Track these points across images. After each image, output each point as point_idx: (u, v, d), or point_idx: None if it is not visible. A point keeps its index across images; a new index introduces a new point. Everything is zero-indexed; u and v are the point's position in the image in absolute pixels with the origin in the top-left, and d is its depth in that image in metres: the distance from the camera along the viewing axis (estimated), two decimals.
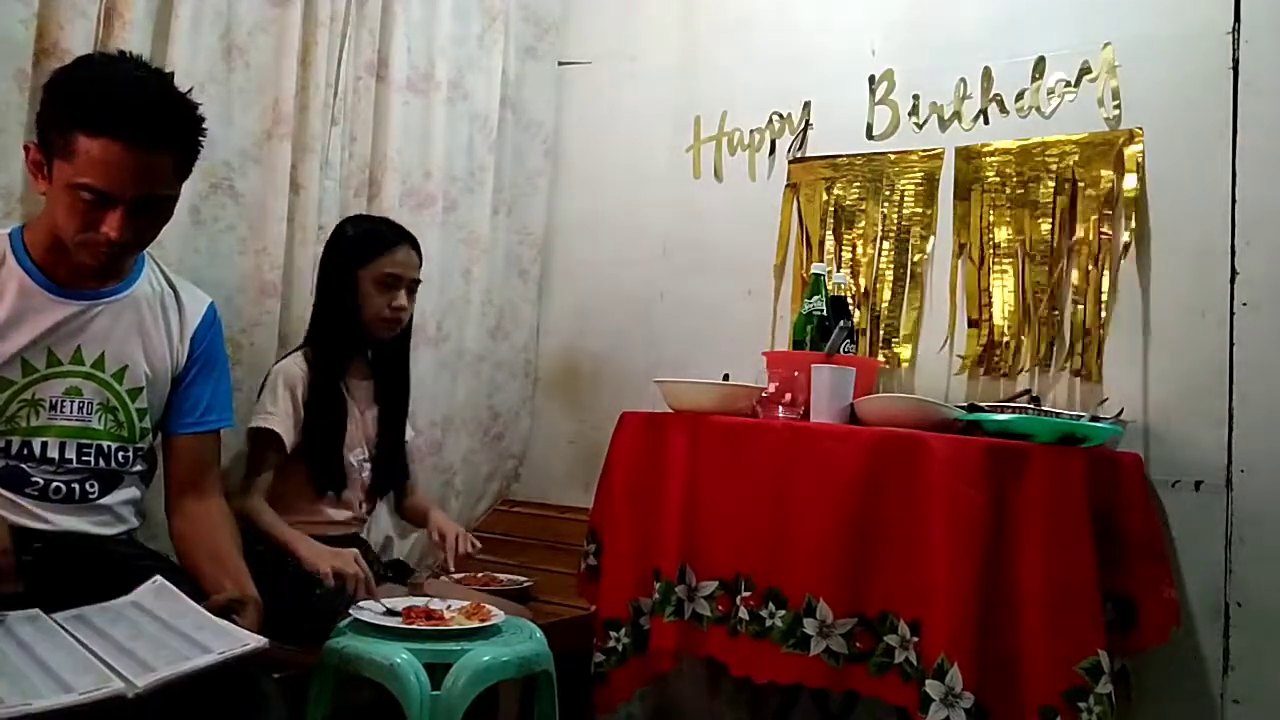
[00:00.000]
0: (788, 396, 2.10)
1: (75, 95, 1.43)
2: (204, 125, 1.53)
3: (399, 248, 2.15)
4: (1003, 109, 2.37)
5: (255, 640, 1.36)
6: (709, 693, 2.52)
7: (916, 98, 2.49)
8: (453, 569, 2.15)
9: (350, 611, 1.72)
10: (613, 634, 2.09)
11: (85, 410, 1.57)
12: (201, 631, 1.35)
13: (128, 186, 1.43)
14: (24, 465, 1.52)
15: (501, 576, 2.42)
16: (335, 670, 1.68)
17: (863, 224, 2.54)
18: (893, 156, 2.51)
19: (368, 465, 2.18)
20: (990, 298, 2.35)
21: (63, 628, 1.32)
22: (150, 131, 1.43)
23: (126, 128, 1.41)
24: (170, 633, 1.35)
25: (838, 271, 2.48)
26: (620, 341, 2.90)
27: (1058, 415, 1.98)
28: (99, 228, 1.45)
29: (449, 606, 1.81)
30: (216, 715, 1.33)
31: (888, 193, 2.51)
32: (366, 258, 2.12)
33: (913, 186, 2.48)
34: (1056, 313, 2.26)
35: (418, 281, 2.20)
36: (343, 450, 2.11)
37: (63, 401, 1.55)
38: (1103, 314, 2.21)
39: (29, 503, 1.52)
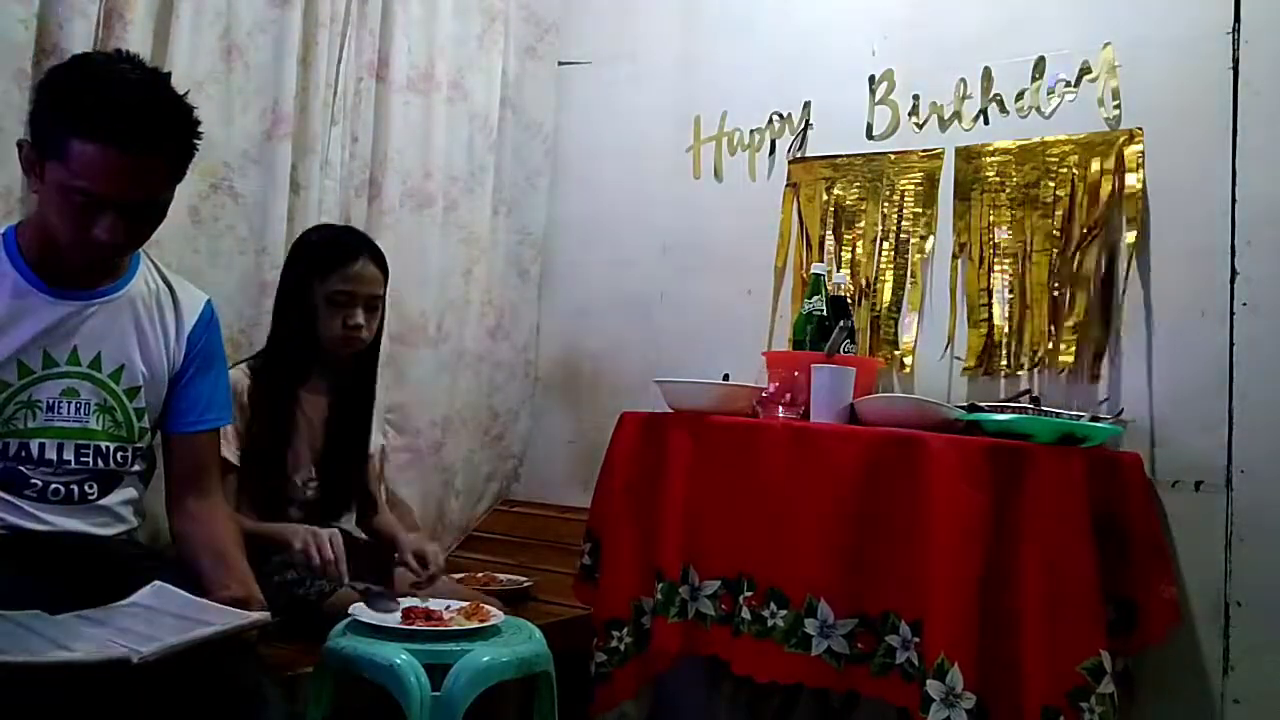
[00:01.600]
0: (788, 396, 2.10)
1: (70, 97, 1.42)
2: (200, 129, 1.52)
3: (354, 261, 2.03)
4: (1003, 109, 2.37)
5: (259, 614, 1.36)
6: (708, 692, 2.52)
7: (916, 98, 2.49)
8: (422, 588, 1.96)
9: (350, 612, 1.72)
10: (615, 633, 2.09)
11: (83, 411, 1.56)
12: (205, 614, 1.36)
13: (121, 191, 1.43)
14: (22, 467, 1.52)
15: (501, 576, 2.42)
16: (335, 671, 1.68)
17: (863, 224, 2.54)
18: (893, 156, 2.51)
19: (313, 485, 2.08)
20: (990, 298, 2.35)
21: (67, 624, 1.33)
22: (145, 138, 1.42)
23: (121, 134, 1.40)
24: (174, 618, 1.35)
25: (838, 271, 2.48)
26: (620, 341, 2.90)
27: (1058, 415, 1.98)
28: (91, 230, 1.44)
29: (448, 607, 1.81)
30: (217, 715, 1.33)
31: (888, 193, 2.51)
32: (320, 271, 2.03)
33: (913, 186, 2.48)
34: (1056, 313, 2.26)
35: (378, 297, 2.08)
36: (286, 475, 2.02)
37: (60, 403, 1.54)
38: (1103, 314, 2.21)
39: (28, 504, 1.52)
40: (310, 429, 2.09)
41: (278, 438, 2.02)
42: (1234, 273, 2.08)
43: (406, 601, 1.81)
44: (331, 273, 2.03)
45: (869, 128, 2.55)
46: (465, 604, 1.83)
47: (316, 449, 2.10)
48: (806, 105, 2.65)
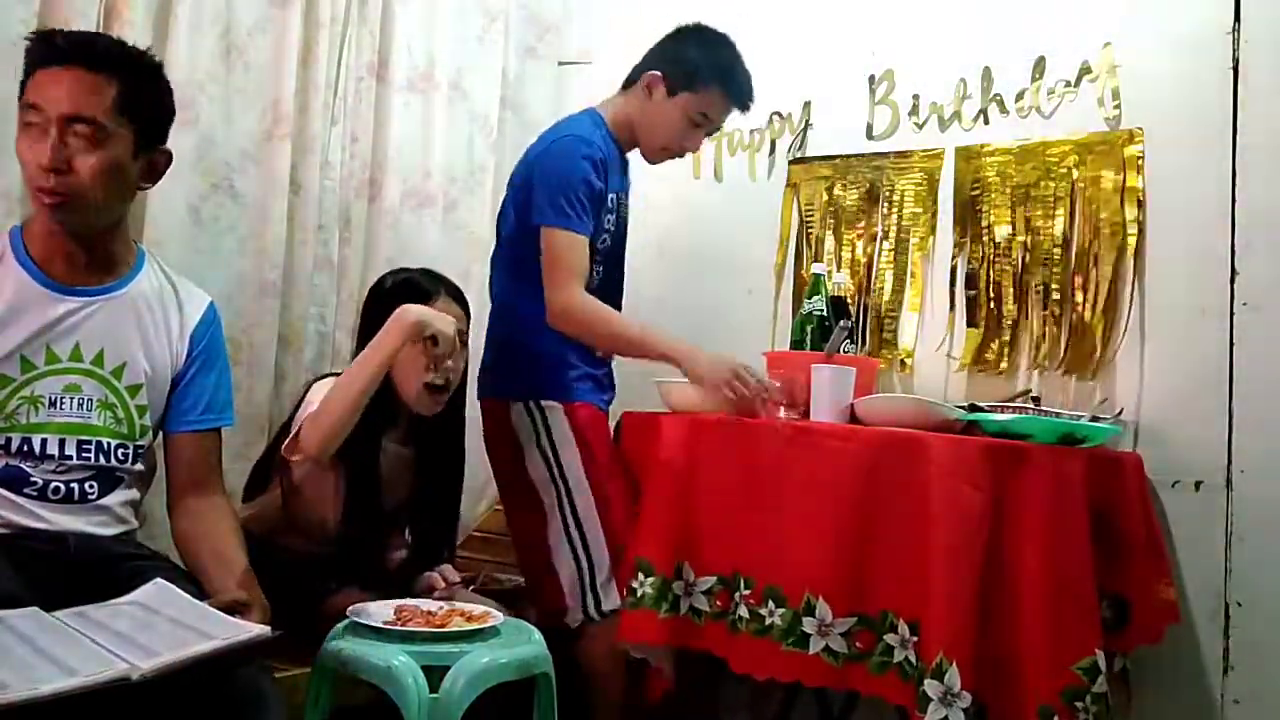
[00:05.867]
0: (788, 397, 2.10)
1: (38, 39, 1.55)
2: (153, 64, 1.59)
3: (435, 300, 1.93)
4: (1003, 109, 2.37)
5: (259, 629, 1.36)
6: (709, 692, 2.52)
7: (916, 98, 2.49)
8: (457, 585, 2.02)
9: (348, 614, 1.71)
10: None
11: (85, 407, 1.57)
12: (205, 623, 1.36)
13: (61, 102, 1.46)
14: (24, 464, 1.53)
15: (501, 576, 2.42)
16: (333, 672, 1.68)
17: (863, 224, 2.54)
18: (893, 156, 2.51)
19: (401, 543, 2.06)
20: (990, 298, 2.35)
21: (64, 624, 1.33)
22: (88, 52, 1.50)
23: (68, 50, 1.49)
24: (174, 625, 1.35)
25: (838, 271, 2.48)
26: None
27: (1058, 415, 1.98)
28: (41, 157, 1.46)
29: (442, 608, 1.80)
30: (217, 714, 1.33)
31: (888, 193, 2.51)
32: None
33: (913, 186, 2.48)
34: (1056, 313, 2.26)
35: (463, 334, 1.96)
36: (384, 544, 2.00)
37: (62, 398, 1.55)
38: (1102, 314, 2.21)
39: (28, 502, 1.53)
40: (397, 489, 2.01)
41: (368, 492, 1.91)
42: (1234, 273, 2.08)
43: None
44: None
45: (869, 128, 2.56)
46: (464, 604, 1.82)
47: (400, 499, 2.03)
48: (806, 105, 2.66)
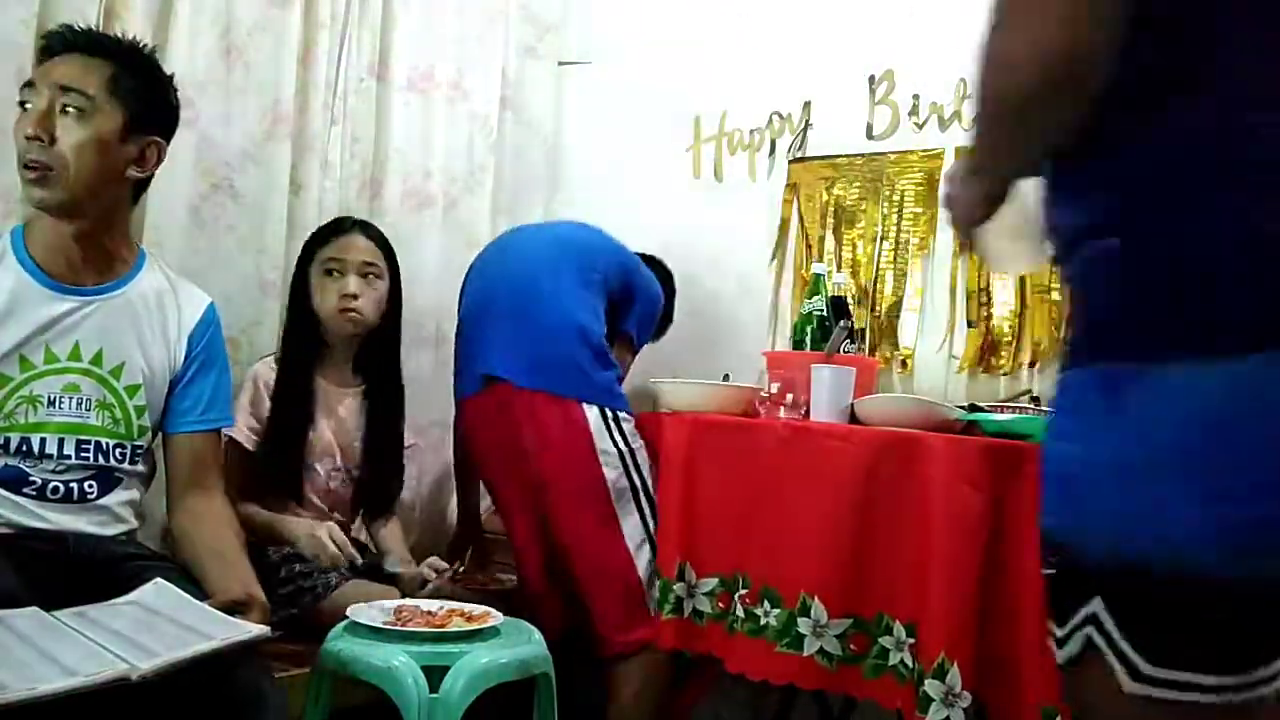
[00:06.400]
0: (789, 397, 2.10)
1: (46, 36, 1.61)
2: (148, 54, 1.63)
3: (343, 234, 2.09)
4: None
5: (259, 628, 1.37)
6: (709, 692, 2.52)
7: (916, 98, 2.49)
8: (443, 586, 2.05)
9: (348, 614, 1.71)
10: None
11: (83, 407, 1.57)
12: (205, 623, 1.37)
13: (49, 74, 1.51)
14: (23, 464, 1.53)
15: (502, 576, 2.42)
16: (333, 672, 1.68)
17: (863, 224, 2.54)
18: (893, 156, 2.51)
19: (339, 476, 2.11)
20: (990, 297, 2.35)
21: (64, 623, 1.33)
22: (87, 39, 1.56)
23: (70, 40, 1.55)
24: (173, 624, 1.35)
25: (838, 271, 2.48)
26: None
27: None
28: (26, 130, 1.50)
29: (442, 608, 1.80)
30: (217, 714, 1.33)
31: (888, 193, 2.51)
32: (312, 251, 2.10)
33: (913, 186, 2.48)
34: (1056, 313, 2.26)
35: (371, 264, 2.08)
36: (301, 456, 2.04)
37: (60, 398, 1.56)
38: None
39: (28, 502, 1.53)
40: (333, 418, 2.10)
41: (292, 421, 2.03)
42: None
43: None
44: (322, 246, 2.08)
45: (869, 128, 2.55)
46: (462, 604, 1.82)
47: (344, 440, 2.11)
48: (806, 105, 2.66)
